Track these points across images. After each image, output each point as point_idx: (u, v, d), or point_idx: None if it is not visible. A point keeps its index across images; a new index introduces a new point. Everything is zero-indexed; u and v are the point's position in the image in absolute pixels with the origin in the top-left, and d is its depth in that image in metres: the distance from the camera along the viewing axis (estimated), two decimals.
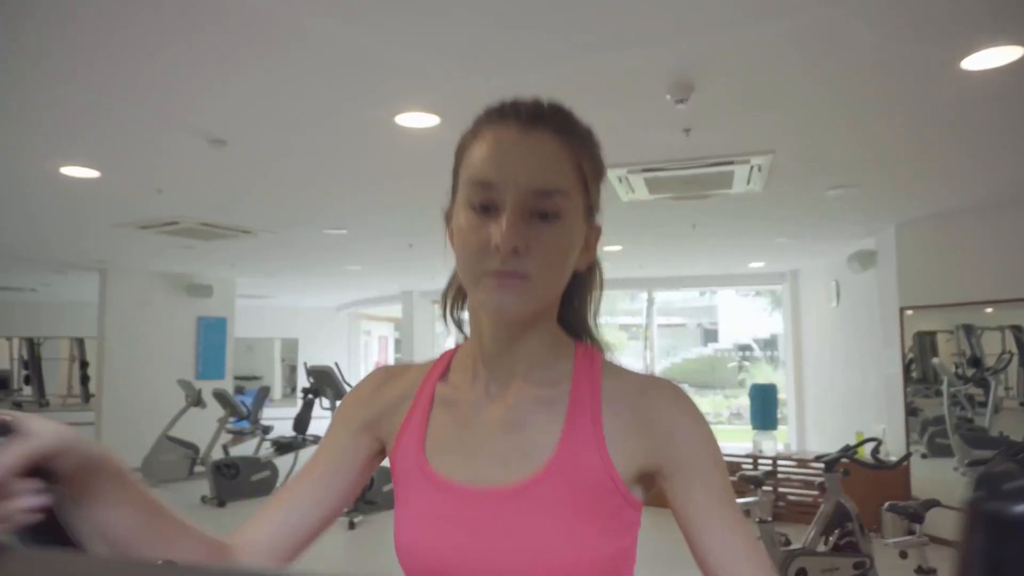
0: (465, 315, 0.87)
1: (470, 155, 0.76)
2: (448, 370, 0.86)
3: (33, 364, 14.17)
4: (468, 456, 0.77)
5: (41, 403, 14.13)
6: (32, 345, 14.12)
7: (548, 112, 0.76)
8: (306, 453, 7.58)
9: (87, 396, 13.68)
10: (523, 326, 0.78)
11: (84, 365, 14.08)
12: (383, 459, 0.87)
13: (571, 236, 0.75)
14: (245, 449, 7.97)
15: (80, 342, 14.20)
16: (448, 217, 0.80)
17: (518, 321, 0.75)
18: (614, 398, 0.76)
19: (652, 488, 0.77)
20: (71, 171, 4.02)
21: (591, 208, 0.79)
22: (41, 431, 0.55)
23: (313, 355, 12.54)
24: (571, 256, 0.76)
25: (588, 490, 0.72)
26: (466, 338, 0.87)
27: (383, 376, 0.89)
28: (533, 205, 0.72)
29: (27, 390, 14.22)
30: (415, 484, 0.78)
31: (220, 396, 7.69)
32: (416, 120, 3.19)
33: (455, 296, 0.89)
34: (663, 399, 0.76)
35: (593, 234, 0.81)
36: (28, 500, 0.53)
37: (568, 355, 0.81)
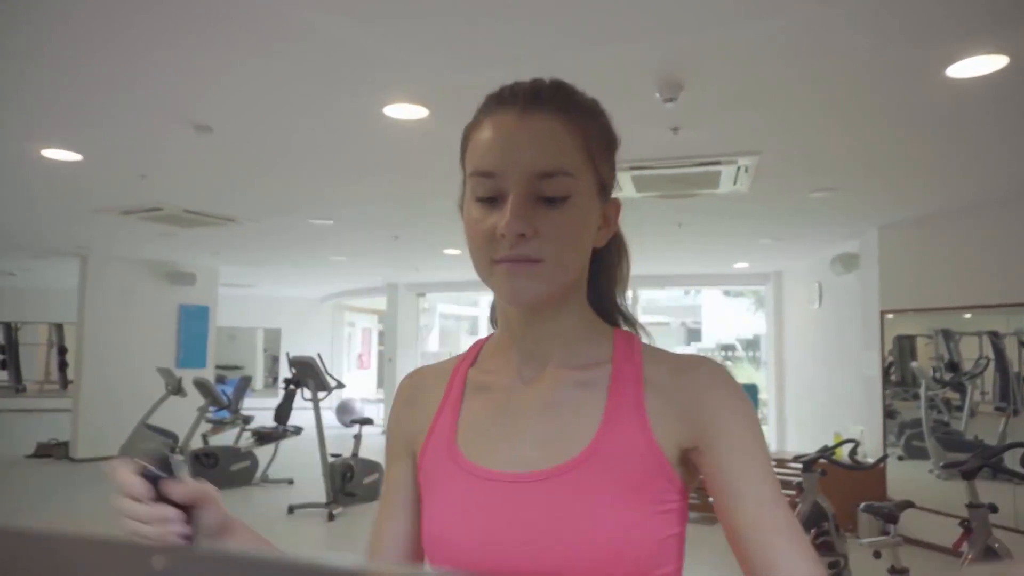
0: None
1: (473, 146, 0.75)
2: (478, 357, 0.84)
3: (10, 349, 13.98)
4: (503, 441, 0.75)
5: (18, 388, 13.96)
6: (9, 330, 13.92)
7: (547, 92, 0.75)
8: (286, 444, 7.55)
9: (65, 382, 13.52)
10: (549, 308, 0.75)
11: (63, 351, 13.90)
12: None
13: (582, 216, 0.73)
14: (225, 439, 7.92)
15: (59, 327, 14.02)
16: (462, 208, 0.79)
17: (535, 304, 0.73)
18: (656, 379, 0.74)
19: (697, 471, 0.73)
20: (52, 154, 3.95)
21: (604, 184, 0.77)
22: (200, 483, 0.68)
23: (296, 346, 12.48)
24: (584, 236, 0.74)
25: (632, 471, 0.69)
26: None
27: (407, 388, 0.87)
28: (538, 189, 0.70)
29: (2, 375, 14.03)
30: (445, 473, 0.76)
31: (201, 385, 7.63)
32: (405, 112, 3.17)
33: None
34: (704, 376, 0.73)
35: (611, 209, 0.80)
36: (180, 527, 0.66)
37: (606, 338, 0.80)
